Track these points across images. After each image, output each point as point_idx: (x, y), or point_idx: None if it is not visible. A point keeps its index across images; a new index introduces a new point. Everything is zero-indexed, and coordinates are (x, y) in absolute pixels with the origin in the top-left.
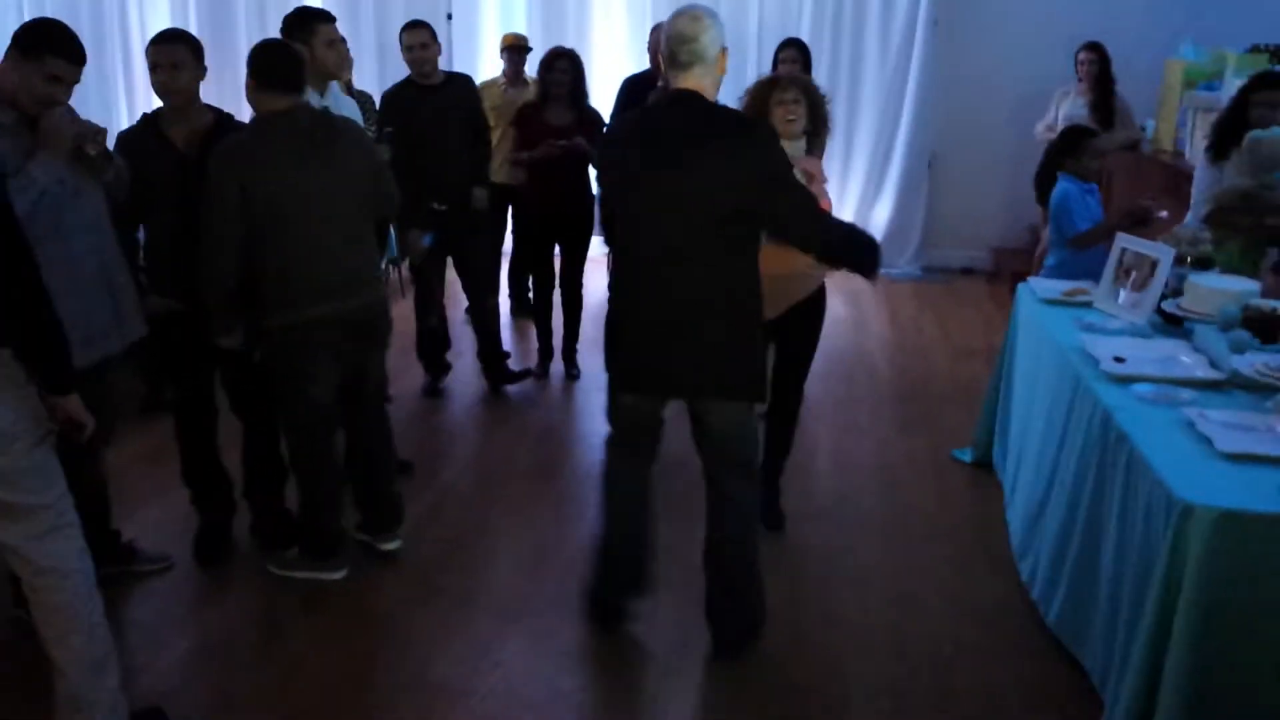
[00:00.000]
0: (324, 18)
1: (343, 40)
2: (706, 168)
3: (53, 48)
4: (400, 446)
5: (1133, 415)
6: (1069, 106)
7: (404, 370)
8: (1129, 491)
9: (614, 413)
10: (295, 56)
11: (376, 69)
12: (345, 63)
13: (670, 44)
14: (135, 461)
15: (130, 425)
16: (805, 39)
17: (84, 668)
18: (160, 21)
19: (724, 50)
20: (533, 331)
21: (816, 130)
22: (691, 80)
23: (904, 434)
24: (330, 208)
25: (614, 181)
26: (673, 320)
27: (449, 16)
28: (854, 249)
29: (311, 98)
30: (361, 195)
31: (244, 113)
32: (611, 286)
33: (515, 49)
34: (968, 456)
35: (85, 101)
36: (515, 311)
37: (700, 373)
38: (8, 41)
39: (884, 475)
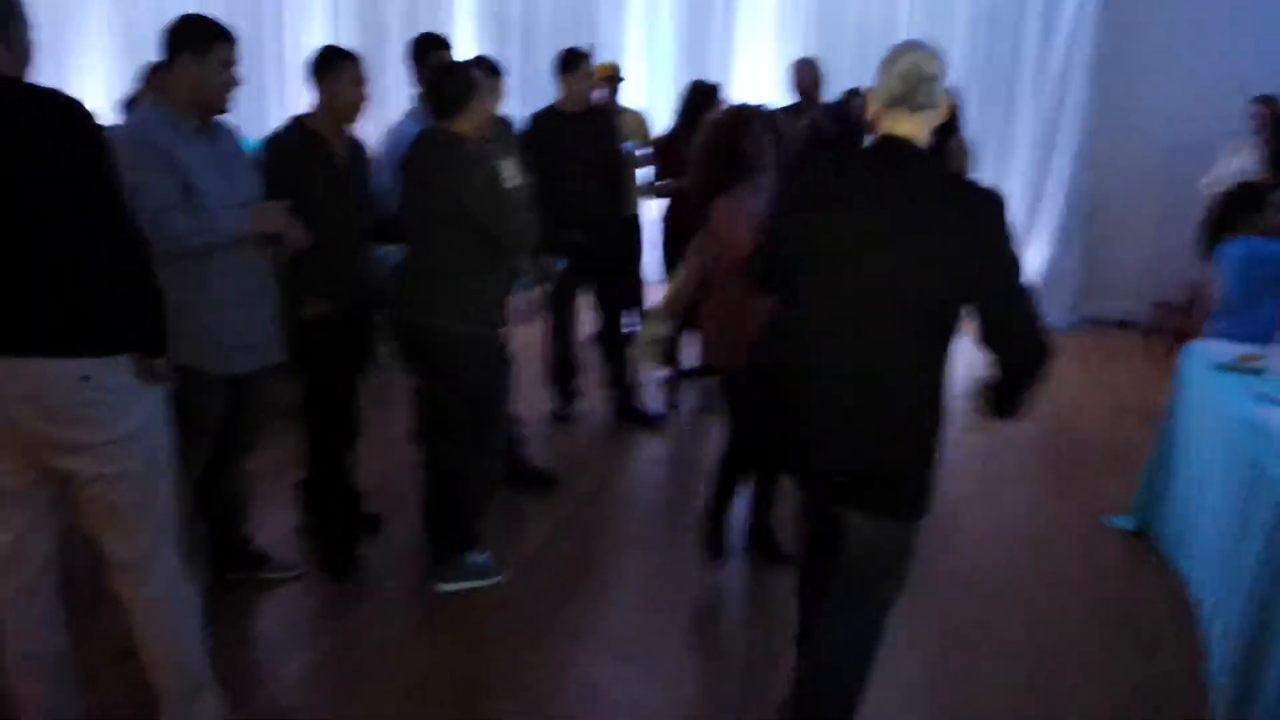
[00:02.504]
0: (441, 44)
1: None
2: (926, 249)
3: (217, 35)
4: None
5: None
6: (1240, 161)
7: (533, 395)
8: None
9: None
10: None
11: (520, 99)
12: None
13: (906, 82)
14: (270, 469)
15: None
16: (958, 76)
17: (173, 698)
18: (317, 37)
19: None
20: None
21: None
22: (915, 126)
23: (1054, 496)
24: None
25: (797, 246)
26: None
27: (591, 47)
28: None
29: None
30: None
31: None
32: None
33: (610, 79)
34: (1126, 524)
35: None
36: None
37: (852, 474)
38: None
39: (1031, 542)
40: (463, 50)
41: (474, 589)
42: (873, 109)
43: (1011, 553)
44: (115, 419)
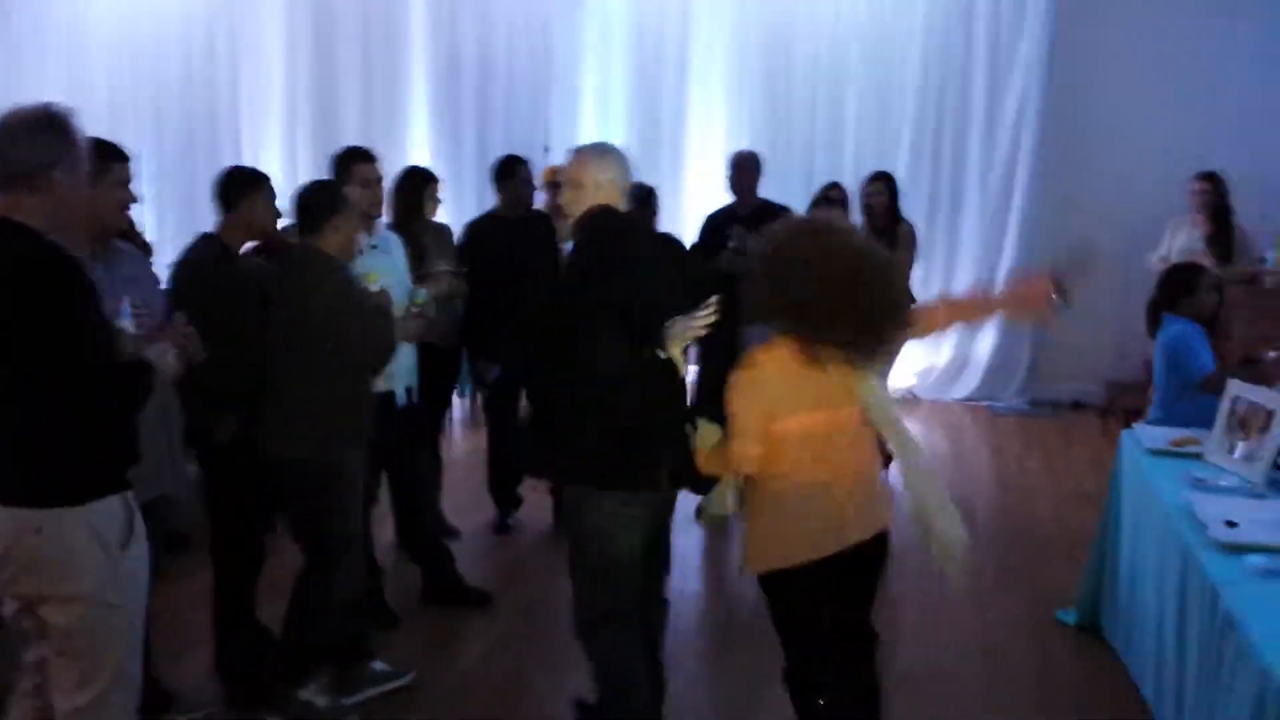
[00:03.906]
0: (362, 157)
1: (379, 181)
2: None
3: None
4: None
5: (1244, 593)
6: (1184, 239)
7: (474, 505)
8: (1236, 685)
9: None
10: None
11: (476, 200)
12: (378, 203)
13: None
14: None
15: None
16: (903, 167)
17: None
18: (273, 166)
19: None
20: None
21: None
22: None
23: (1003, 590)
24: None
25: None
26: None
27: (546, 149)
28: None
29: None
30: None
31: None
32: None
33: (555, 185)
34: (1069, 619)
35: None
36: None
37: None
38: None
39: (980, 639)
40: (415, 153)
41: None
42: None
43: (961, 650)
44: (67, 574)
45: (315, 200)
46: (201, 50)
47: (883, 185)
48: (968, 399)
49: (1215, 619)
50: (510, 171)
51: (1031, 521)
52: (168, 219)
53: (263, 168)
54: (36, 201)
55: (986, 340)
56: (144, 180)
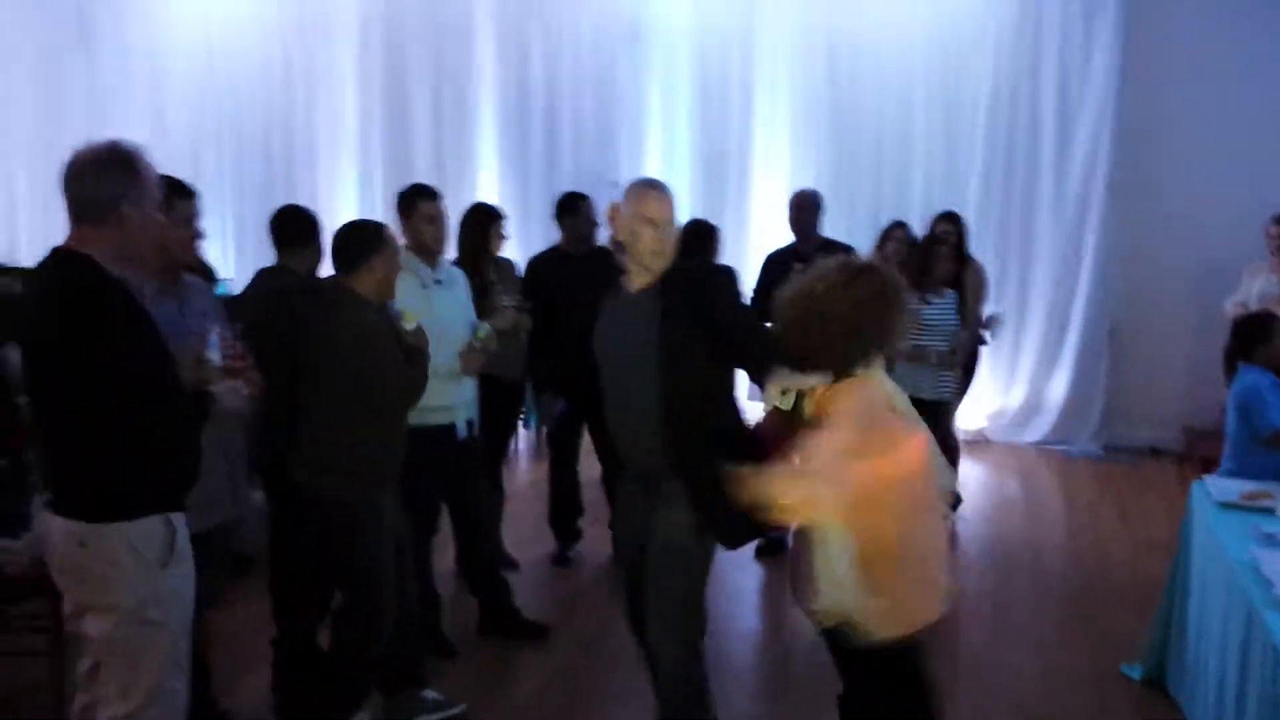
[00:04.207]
0: (426, 195)
1: (442, 217)
2: None
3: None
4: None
5: None
6: (1262, 284)
7: (535, 537)
8: None
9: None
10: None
11: (543, 235)
12: (441, 238)
13: None
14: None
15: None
16: (973, 208)
17: None
18: (345, 205)
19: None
20: None
21: None
22: None
23: (1067, 640)
24: None
25: None
26: None
27: (614, 184)
28: None
29: (422, 271)
30: None
31: None
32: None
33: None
34: (1137, 673)
35: None
36: None
37: None
38: None
39: (1037, 690)
40: (484, 189)
41: None
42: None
43: (1017, 702)
44: (107, 587)
45: (352, 240)
46: (279, 85)
47: (951, 225)
48: (1040, 442)
49: (1277, 679)
50: (573, 207)
51: (1101, 571)
52: (246, 250)
53: (337, 201)
54: (104, 234)
55: (1060, 382)
56: (223, 212)
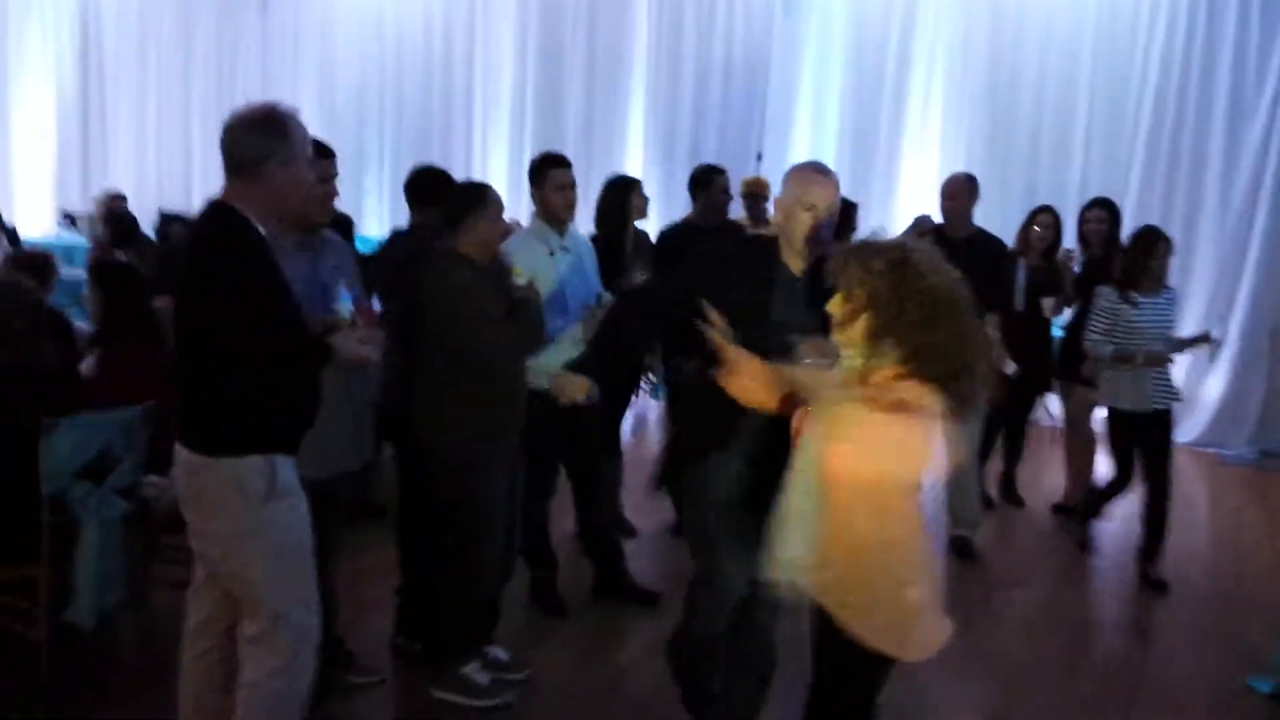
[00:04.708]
0: (556, 163)
1: (572, 186)
2: None
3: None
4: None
5: None
6: None
7: (657, 506)
8: None
9: None
10: None
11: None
12: (570, 206)
13: None
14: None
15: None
16: (1131, 200)
17: None
18: (498, 158)
19: None
20: None
21: None
22: None
23: (1194, 648)
24: None
25: None
26: None
27: (759, 157)
28: None
29: (550, 239)
30: None
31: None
32: None
33: (752, 196)
34: (1262, 687)
35: None
36: None
37: None
38: None
39: (1156, 698)
40: (630, 161)
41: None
42: None
43: (1134, 711)
44: (210, 514)
45: (456, 199)
46: (440, 51)
47: (1104, 213)
48: (1193, 443)
49: None
50: (707, 181)
51: (1238, 580)
52: (401, 207)
53: (490, 165)
54: (253, 190)
55: (1217, 382)
56: (382, 170)
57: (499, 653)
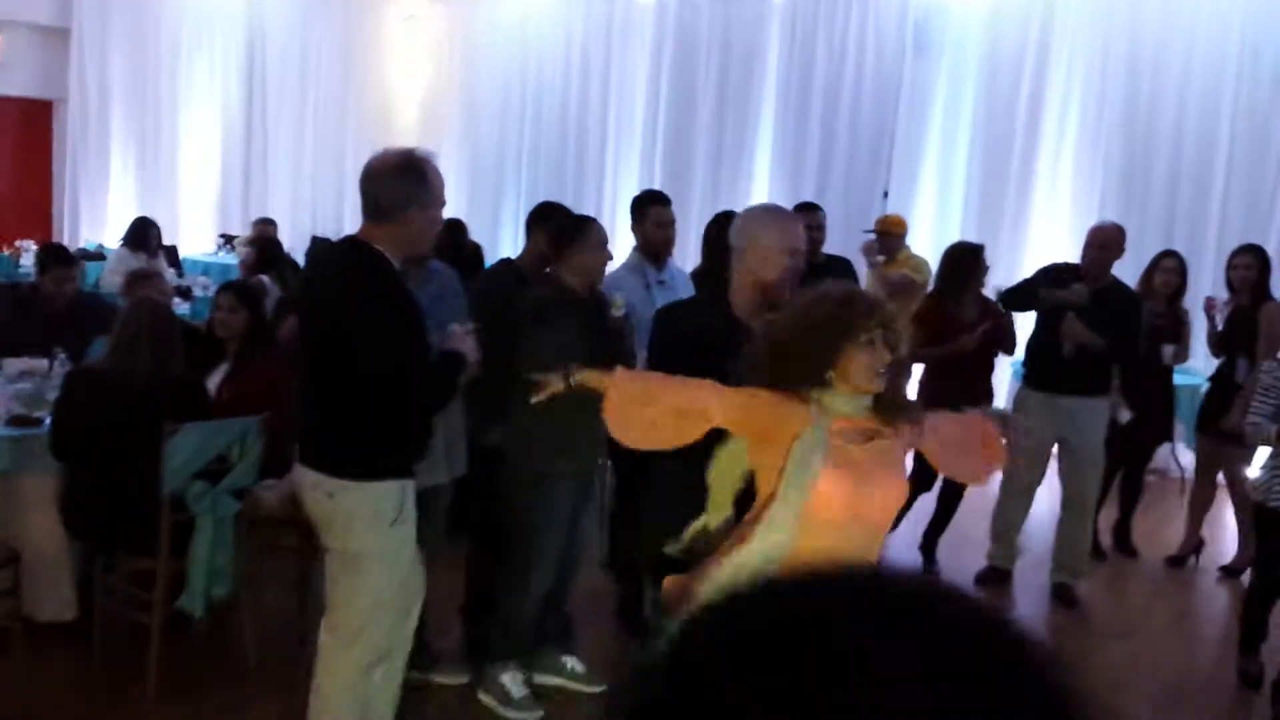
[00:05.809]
0: (657, 200)
1: (672, 223)
2: None
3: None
4: None
5: None
6: None
7: None
8: None
9: None
10: None
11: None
12: (669, 242)
13: None
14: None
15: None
16: (1274, 243)
17: None
18: (629, 182)
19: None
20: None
21: None
22: None
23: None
24: None
25: None
26: None
27: (885, 195)
28: None
29: (648, 272)
30: None
31: None
32: None
33: (884, 235)
34: None
35: None
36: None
37: None
38: None
39: (1168, 698)
40: (756, 196)
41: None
42: None
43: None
44: (343, 534)
45: (559, 230)
46: (578, 84)
47: (1252, 259)
48: None
49: None
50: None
51: None
52: None
53: (620, 199)
54: (392, 232)
55: None
56: (519, 198)
57: (576, 664)
